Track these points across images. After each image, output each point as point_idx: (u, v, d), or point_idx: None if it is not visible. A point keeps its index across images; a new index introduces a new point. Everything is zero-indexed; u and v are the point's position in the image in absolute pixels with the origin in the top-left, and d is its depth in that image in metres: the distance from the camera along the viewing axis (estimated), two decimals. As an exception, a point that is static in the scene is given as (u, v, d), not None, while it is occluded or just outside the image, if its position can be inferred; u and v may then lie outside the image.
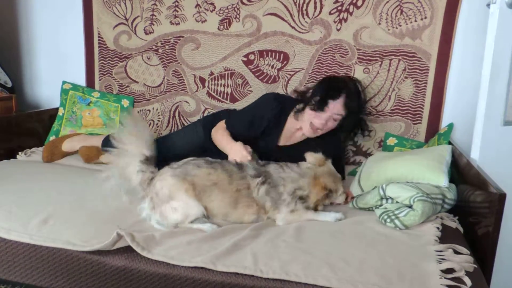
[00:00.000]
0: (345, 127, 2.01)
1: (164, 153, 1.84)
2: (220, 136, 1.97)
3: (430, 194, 1.56)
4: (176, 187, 1.53)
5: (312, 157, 1.69)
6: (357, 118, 2.02)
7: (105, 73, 2.67)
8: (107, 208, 1.59)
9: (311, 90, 2.01)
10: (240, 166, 1.65)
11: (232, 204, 1.56)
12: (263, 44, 2.39)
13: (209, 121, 2.13)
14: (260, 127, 2.00)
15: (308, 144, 1.95)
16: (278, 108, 2.00)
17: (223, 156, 1.86)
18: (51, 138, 2.53)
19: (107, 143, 2.17)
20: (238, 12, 2.39)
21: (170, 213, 1.50)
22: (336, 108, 1.90)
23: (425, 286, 1.15)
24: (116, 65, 2.64)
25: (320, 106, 1.90)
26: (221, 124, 2.04)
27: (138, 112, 2.63)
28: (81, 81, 2.71)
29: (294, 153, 1.85)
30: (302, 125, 1.97)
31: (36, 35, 2.80)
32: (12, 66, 2.84)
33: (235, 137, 1.93)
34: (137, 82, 2.63)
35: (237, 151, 1.83)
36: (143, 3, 2.52)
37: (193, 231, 1.45)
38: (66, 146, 2.31)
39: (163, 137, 2.27)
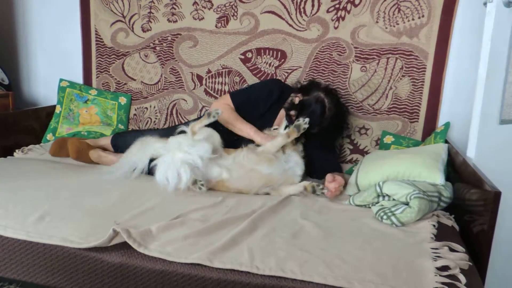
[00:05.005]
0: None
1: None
2: (234, 116, 2.06)
3: (427, 192, 1.56)
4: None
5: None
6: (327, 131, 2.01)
7: (103, 70, 2.67)
8: (104, 204, 1.58)
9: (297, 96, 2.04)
10: None
11: None
12: (260, 42, 2.39)
13: None
14: (264, 108, 2.10)
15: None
16: (279, 94, 2.09)
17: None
18: (48, 136, 2.53)
19: (116, 140, 2.21)
20: (236, 10, 2.39)
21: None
22: None
23: (420, 283, 1.16)
24: (114, 63, 2.64)
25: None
26: (227, 100, 2.11)
27: (135, 109, 2.63)
28: (79, 78, 2.71)
29: None
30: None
31: (33, 33, 2.79)
32: (9, 63, 2.83)
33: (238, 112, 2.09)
34: (134, 80, 2.63)
35: (266, 138, 1.97)
36: (140, 0, 2.52)
37: (190, 223, 1.44)
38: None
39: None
